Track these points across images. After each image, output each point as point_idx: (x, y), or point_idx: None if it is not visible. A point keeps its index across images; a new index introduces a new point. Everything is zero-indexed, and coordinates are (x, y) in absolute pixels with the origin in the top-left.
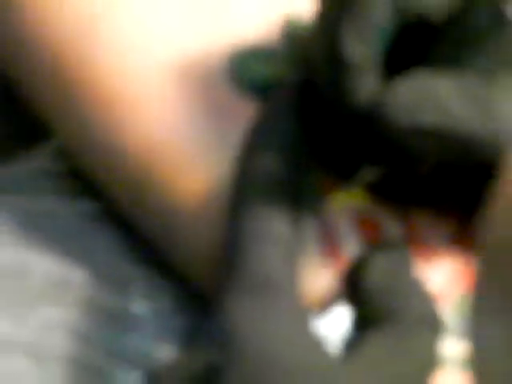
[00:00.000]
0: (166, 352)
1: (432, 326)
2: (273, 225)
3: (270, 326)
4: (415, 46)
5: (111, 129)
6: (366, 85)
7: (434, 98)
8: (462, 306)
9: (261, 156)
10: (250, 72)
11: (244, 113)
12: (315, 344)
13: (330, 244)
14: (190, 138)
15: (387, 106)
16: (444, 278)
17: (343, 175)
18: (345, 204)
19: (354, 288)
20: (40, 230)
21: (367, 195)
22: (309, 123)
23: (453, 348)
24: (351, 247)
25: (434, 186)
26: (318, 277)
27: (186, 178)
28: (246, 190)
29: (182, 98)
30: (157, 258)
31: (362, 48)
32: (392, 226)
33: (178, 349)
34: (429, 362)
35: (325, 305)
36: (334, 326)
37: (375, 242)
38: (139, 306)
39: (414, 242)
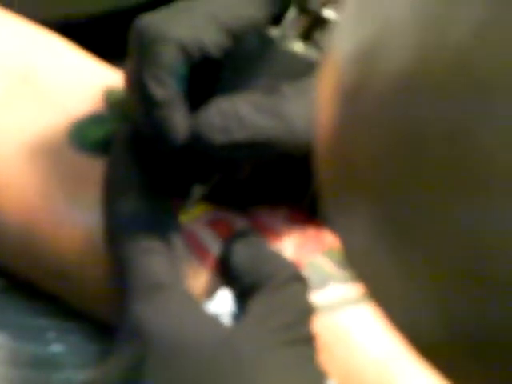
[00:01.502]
0: (90, 376)
1: (299, 280)
2: (150, 244)
3: (172, 316)
4: (208, 80)
5: None
6: (175, 118)
7: (238, 117)
8: (315, 267)
9: (121, 197)
10: (87, 137)
11: (94, 170)
12: (209, 320)
13: (197, 248)
14: (55, 203)
15: (202, 131)
16: (291, 250)
17: (180, 195)
18: (196, 216)
19: (226, 273)
20: None
21: (211, 204)
22: (146, 161)
23: (317, 297)
24: (214, 245)
25: (259, 184)
26: (197, 275)
27: (61, 233)
28: (117, 225)
29: (39, 174)
30: (62, 307)
31: (161, 88)
32: (239, 221)
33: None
34: (305, 309)
35: (209, 295)
36: (221, 306)
37: (231, 236)
38: (57, 346)
39: (259, 230)
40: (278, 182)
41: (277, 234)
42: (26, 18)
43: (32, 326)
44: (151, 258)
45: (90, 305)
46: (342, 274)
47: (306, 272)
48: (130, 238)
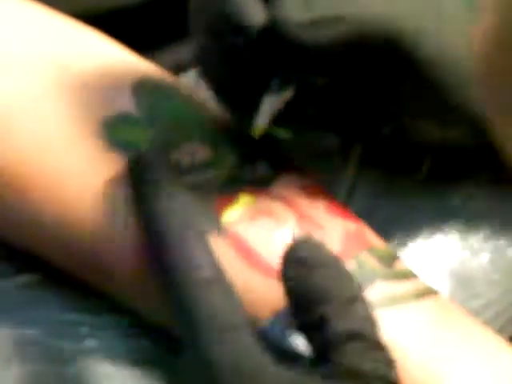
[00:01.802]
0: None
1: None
2: (200, 261)
3: (243, 361)
4: None
5: (26, 201)
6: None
7: None
8: (361, 262)
9: (165, 199)
10: (121, 137)
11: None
12: (281, 367)
13: (246, 254)
14: (91, 195)
15: (281, 11)
16: (337, 243)
17: (249, 109)
18: (239, 213)
19: (288, 298)
20: None
21: (251, 195)
22: None
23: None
24: (264, 247)
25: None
26: (251, 285)
27: (97, 225)
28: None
29: (74, 168)
30: (95, 302)
31: None
32: (284, 213)
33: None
34: (386, 357)
35: (272, 311)
36: (282, 331)
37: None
38: (90, 341)
39: (304, 222)
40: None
41: (322, 226)
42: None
43: (65, 321)
44: (209, 290)
45: (126, 298)
46: (386, 271)
47: (352, 266)
48: (174, 252)
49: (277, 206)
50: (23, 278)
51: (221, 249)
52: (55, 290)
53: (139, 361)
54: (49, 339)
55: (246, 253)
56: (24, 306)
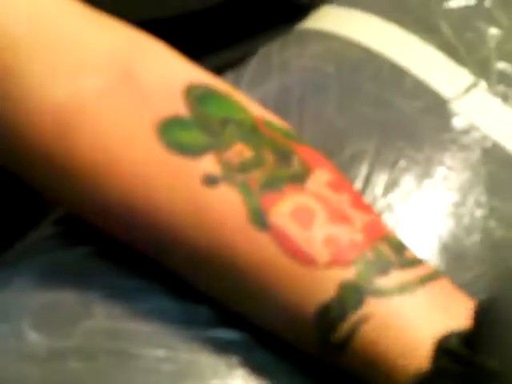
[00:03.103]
0: None
1: None
2: None
3: None
4: None
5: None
6: None
7: None
8: (378, 251)
9: None
10: (178, 139)
11: (188, 167)
12: None
13: (290, 248)
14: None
15: None
16: (360, 233)
17: None
18: (285, 209)
19: None
20: (59, 275)
21: (292, 195)
22: None
23: (380, 282)
24: None
25: None
26: (298, 278)
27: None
28: None
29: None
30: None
31: None
32: (318, 208)
33: None
34: None
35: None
36: None
37: None
38: (145, 303)
39: (334, 214)
40: None
41: (348, 218)
42: None
43: (121, 286)
44: None
45: None
46: (399, 259)
47: (370, 255)
48: None
49: (311, 202)
50: (83, 249)
51: (266, 243)
52: (113, 258)
53: (192, 323)
54: (109, 302)
55: (290, 246)
56: (85, 274)
